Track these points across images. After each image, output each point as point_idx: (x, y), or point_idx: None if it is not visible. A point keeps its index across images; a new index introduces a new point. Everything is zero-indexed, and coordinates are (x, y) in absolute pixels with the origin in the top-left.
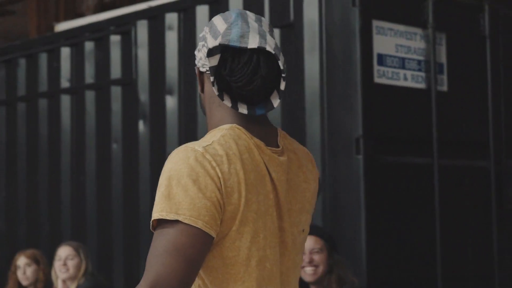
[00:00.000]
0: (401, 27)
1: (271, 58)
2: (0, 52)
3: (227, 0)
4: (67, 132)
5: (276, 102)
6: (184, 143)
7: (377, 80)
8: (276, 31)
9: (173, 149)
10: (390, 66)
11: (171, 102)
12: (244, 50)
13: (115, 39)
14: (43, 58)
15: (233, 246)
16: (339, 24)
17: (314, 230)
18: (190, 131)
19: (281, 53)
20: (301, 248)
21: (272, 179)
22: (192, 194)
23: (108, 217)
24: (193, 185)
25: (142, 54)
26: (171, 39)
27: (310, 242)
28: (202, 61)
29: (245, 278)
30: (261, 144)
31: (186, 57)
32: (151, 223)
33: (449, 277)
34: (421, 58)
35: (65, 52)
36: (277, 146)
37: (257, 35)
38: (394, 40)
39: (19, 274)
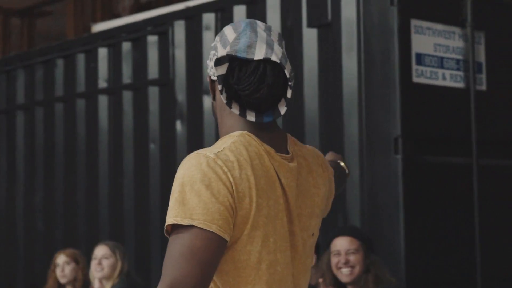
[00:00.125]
0: (440, 26)
1: (277, 67)
2: (38, 53)
3: (265, 0)
4: (105, 132)
5: (283, 109)
6: None
7: (415, 79)
8: (314, 31)
9: None
10: (429, 66)
11: (208, 102)
12: (251, 59)
13: (152, 39)
14: (81, 59)
15: (245, 250)
16: (377, 23)
17: (349, 231)
18: None
19: (287, 62)
20: (311, 251)
21: (282, 185)
22: (206, 199)
23: (146, 217)
24: (206, 190)
25: (180, 54)
26: (208, 39)
27: (346, 243)
28: (213, 70)
29: (256, 281)
30: (271, 150)
31: None
32: (165, 228)
33: (488, 277)
34: (459, 57)
35: (103, 52)
36: (287, 153)
37: (264, 44)
38: (432, 39)
39: (58, 271)
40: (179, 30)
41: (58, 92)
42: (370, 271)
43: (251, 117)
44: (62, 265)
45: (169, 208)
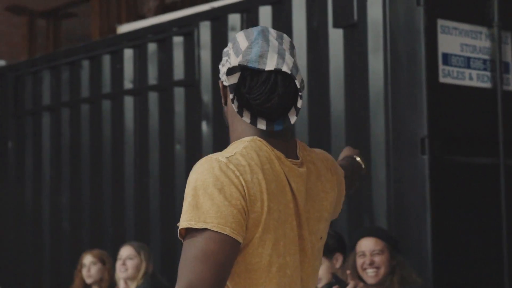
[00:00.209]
0: (466, 26)
1: (288, 77)
2: (63, 54)
3: (290, 1)
4: (131, 133)
5: (293, 118)
6: None
7: (442, 80)
8: (340, 31)
9: None
10: (455, 66)
11: None
12: (262, 69)
13: (178, 40)
14: (106, 60)
15: (256, 252)
16: (404, 23)
17: (374, 232)
18: None
19: (298, 72)
20: (319, 254)
21: (292, 189)
22: (219, 202)
23: (172, 218)
24: (219, 194)
25: (205, 55)
26: None
27: (371, 244)
28: (225, 77)
29: (266, 283)
30: (281, 155)
31: None
32: (178, 232)
33: None
34: (486, 57)
35: (128, 53)
36: (297, 158)
37: (275, 54)
38: (459, 40)
39: (84, 272)
40: (205, 31)
41: (84, 93)
42: (395, 272)
43: (262, 125)
44: (89, 265)
45: (183, 211)
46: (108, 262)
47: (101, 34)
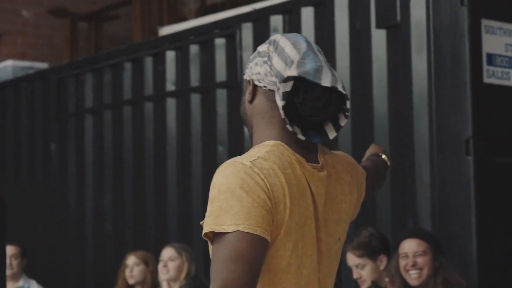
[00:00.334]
0: (511, 26)
1: (340, 96)
2: (106, 56)
3: (333, 2)
4: (173, 135)
5: (332, 134)
6: None
7: (486, 80)
8: (383, 32)
9: None
10: (500, 66)
11: None
12: (318, 84)
13: (220, 42)
14: (149, 62)
15: (277, 254)
16: (447, 23)
17: (417, 233)
18: None
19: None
20: (337, 255)
21: (312, 193)
22: (247, 204)
23: None
24: (247, 196)
25: (247, 56)
26: None
27: (413, 245)
28: (260, 76)
29: (285, 284)
30: (302, 160)
31: None
32: (205, 234)
33: None
34: None
35: (170, 55)
36: (317, 162)
37: (329, 71)
38: (503, 40)
39: (127, 272)
40: (247, 32)
41: (126, 95)
42: (438, 273)
43: (300, 135)
44: (132, 266)
45: (211, 215)
46: (151, 263)
47: (142, 36)
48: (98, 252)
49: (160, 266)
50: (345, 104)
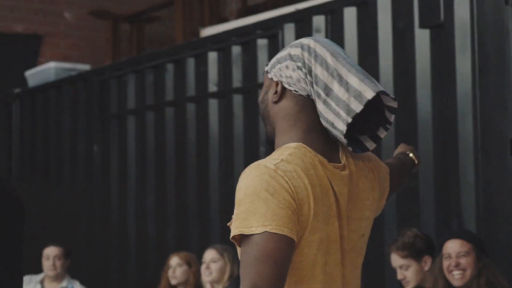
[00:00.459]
0: None
1: (381, 108)
2: (148, 57)
3: (375, 2)
4: (215, 136)
5: (372, 146)
6: None
7: None
8: (426, 32)
9: None
10: None
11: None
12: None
13: (262, 42)
14: (191, 63)
15: (302, 252)
16: (492, 23)
17: (460, 234)
18: None
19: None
20: (361, 251)
21: (334, 192)
22: (273, 205)
23: None
24: (272, 198)
25: None
26: None
27: (456, 246)
28: (292, 81)
29: (311, 281)
30: (324, 160)
31: None
32: (233, 236)
33: None
34: None
35: (212, 56)
36: (339, 162)
37: (374, 83)
38: None
39: (170, 273)
40: (289, 33)
41: (168, 97)
42: (482, 274)
43: (349, 144)
44: (174, 267)
45: (238, 217)
46: (194, 264)
47: (184, 38)
48: (141, 252)
49: (203, 268)
50: (388, 117)
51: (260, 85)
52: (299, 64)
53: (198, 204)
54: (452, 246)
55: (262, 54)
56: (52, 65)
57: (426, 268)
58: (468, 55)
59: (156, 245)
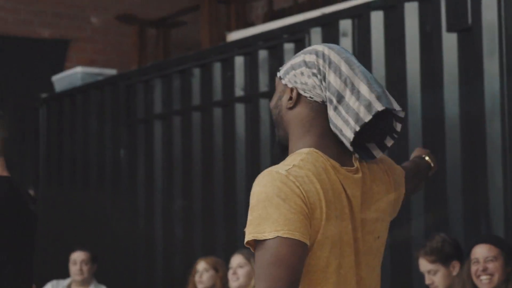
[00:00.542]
0: None
1: (390, 117)
2: (174, 62)
3: (403, 5)
4: (242, 140)
5: (378, 154)
6: None
7: None
8: (454, 36)
9: None
10: None
11: None
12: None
13: (288, 47)
14: (217, 68)
15: (315, 255)
16: None
17: (488, 238)
18: None
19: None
20: (378, 253)
21: (347, 195)
22: (285, 210)
23: None
24: (284, 203)
25: None
26: (346, 45)
27: (484, 250)
28: (307, 87)
29: (324, 283)
30: (337, 164)
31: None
32: (248, 242)
33: None
34: None
35: (239, 61)
36: (352, 165)
37: (388, 94)
38: None
39: (196, 277)
40: (316, 37)
41: (195, 101)
42: (510, 279)
43: (356, 150)
44: (201, 271)
45: (251, 223)
46: (222, 270)
47: (210, 42)
48: (168, 257)
49: (230, 273)
50: (395, 126)
51: None
52: (314, 70)
53: (224, 209)
54: (480, 251)
55: (288, 58)
56: (79, 70)
57: (454, 273)
58: (495, 58)
59: (183, 249)
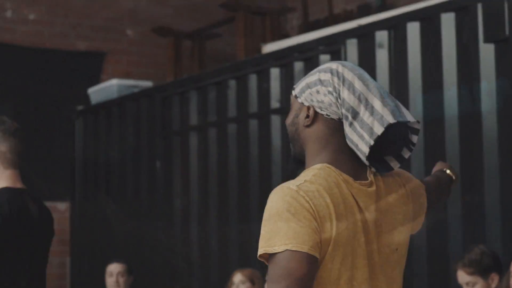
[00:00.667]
0: None
1: (405, 129)
2: (210, 74)
3: (439, 16)
4: (278, 152)
5: (396, 166)
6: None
7: None
8: (491, 46)
9: None
10: None
11: None
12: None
13: (324, 58)
14: (253, 79)
15: (326, 268)
16: None
17: None
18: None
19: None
20: (397, 265)
21: (360, 208)
22: (294, 224)
23: None
24: (293, 217)
25: None
26: (382, 57)
27: None
28: (323, 105)
29: None
30: (349, 179)
31: (397, 75)
32: (261, 255)
33: None
34: None
35: (275, 72)
36: (366, 179)
37: (401, 107)
38: None
39: None
40: (351, 48)
41: (230, 113)
42: None
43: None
44: (237, 284)
45: (263, 238)
46: (258, 282)
47: (245, 54)
48: (204, 268)
49: (266, 285)
50: (411, 138)
51: None
52: (330, 89)
53: (260, 220)
54: None
55: None
56: (114, 82)
57: (493, 285)
58: None
59: (219, 261)
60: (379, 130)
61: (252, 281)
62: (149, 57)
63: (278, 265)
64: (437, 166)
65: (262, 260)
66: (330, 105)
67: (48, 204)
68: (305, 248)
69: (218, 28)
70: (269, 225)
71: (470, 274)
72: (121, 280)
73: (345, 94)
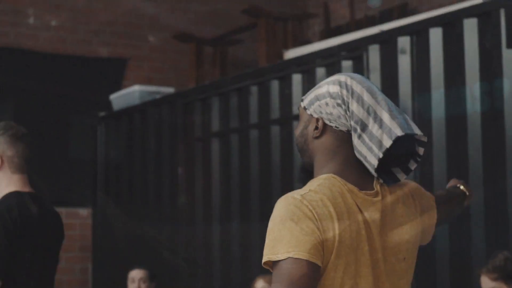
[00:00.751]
0: None
1: (412, 142)
2: (232, 80)
3: (462, 22)
4: (299, 158)
5: (402, 177)
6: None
7: None
8: None
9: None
10: None
11: None
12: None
13: (346, 64)
14: (275, 86)
15: (329, 276)
16: None
17: None
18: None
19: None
20: (405, 274)
21: (365, 218)
22: (297, 233)
23: None
24: (296, 226)
25: (374, 78)
26: (404, 63)
27: None
28: (332, 117)
29: None
30: (355, 189)
31: (419, 81)
32: (265, 263)
33: None
34: None
35: (297, 78)
36: (372, 189)
37: (409, 120)
38: None
39: None
40: (374, 54)
41: (252, 119)
42: None
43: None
44: None
45: (267, 246)
46: None
47: (267, 60)
48: (226, 275)
49: None
50: (418, 150)
51: None
52: (339, 101)
53: None
54: None
55: None
56: (136, 88)
57: None
58: None
59: (241, 268)
60: (387, 142)
61: None
62: (171, 63)
63: (281, 272)
64: (451, 183)
65: (266, 267)
66: (339, 117)
67: (70, 210)
68: (306, 256)
69: (240, 34)
70: (273, 233)
71: (494, 280)
72: (143, 286)
73: (354, 106)
